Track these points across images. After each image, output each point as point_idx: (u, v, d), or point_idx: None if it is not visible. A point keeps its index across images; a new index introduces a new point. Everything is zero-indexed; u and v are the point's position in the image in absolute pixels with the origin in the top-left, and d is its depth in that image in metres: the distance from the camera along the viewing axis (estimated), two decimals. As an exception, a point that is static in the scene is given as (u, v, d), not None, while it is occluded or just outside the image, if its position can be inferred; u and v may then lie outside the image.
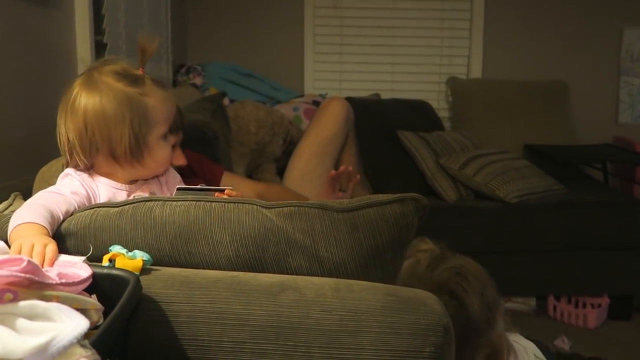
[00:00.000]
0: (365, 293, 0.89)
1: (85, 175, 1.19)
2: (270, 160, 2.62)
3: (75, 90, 1.17)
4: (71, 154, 1.17)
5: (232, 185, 1.86)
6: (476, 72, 3.69)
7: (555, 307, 2.77)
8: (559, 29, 3.67)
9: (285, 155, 2.71)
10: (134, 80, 1.18)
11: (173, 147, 1.60)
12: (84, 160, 1.16)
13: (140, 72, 1.21)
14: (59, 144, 1.19)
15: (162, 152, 1.23)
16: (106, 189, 1.20)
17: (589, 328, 2.68)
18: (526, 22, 3.68)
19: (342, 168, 1.82)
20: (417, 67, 3.72)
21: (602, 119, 3.71)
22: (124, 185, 1.23)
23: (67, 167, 1.23)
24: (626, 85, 3.69)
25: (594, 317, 2.68)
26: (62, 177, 1.20)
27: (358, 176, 1.88)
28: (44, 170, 1.52)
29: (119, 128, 1.14)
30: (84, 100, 1.14)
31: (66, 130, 1.16)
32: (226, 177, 1.93)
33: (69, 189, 1.14)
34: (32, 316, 0.66)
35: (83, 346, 0.65)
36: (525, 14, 3.68)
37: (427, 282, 1.21)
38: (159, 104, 1.20)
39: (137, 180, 1.26)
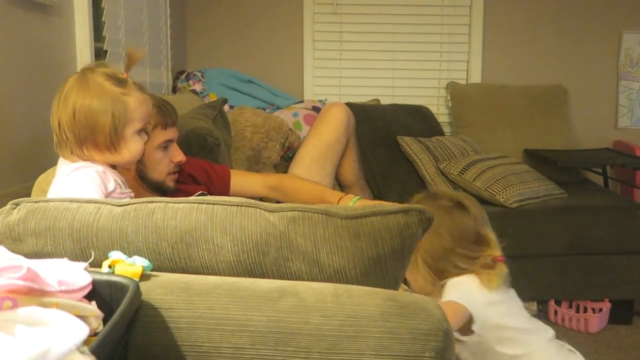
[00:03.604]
0: (365, 298, 0.89)
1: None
2: (268, 167, 2.62)
3: (69, 85, 1.35)
4: (63, 141, 1.35)
5: (240, 182, 1.89)
6: (475, 77, 3.70)
7: (556, 312, 2.76)
8: (558, 34, 3.68)
9: (284, 161, 2.71)
10: (119, 82, 1.36)
11: (170, 142, 1.62)
12: (74, 145, 1.33)
13: (125, 76, 1.39)
14: (53, 133, 1.37)
15: (136, 145, 1.38)
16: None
17: (591, 333, 2.67)
18: (525, 27, 3.69)
19: None
20: (417, 73, 3.73)
21: (601, 123, 3.71)
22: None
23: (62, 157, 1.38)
24: (625, 90, 3.70)
25: (595, 321, 2.67)
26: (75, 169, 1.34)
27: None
28: (41, 178, 1.52)
29: (102, 119, 1.32)
30: (75, 93, 1.33)
31: (58, 117, 1.35)
32: (234, 176, 1.92)
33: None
34: (31, 323, 0.66)
35: (82, 353, 0.65)
36: (524, 18, 3.68)
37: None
38: (137, 104, 1.37)
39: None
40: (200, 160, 1.91)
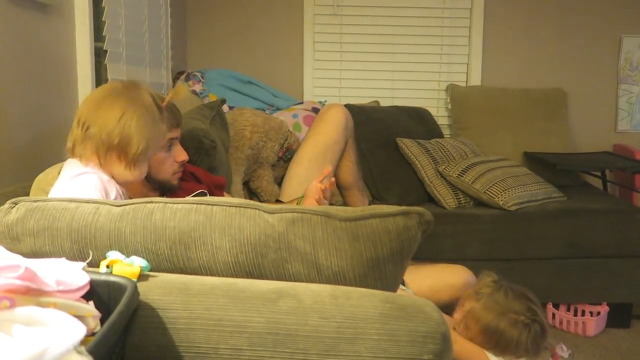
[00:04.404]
0: (363, 300, 0.89)
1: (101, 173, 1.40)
2: (266, 167, 2.62)
3: (116, 93, 1.40)
4: (89, 140, 1.36)
5: None
6: (475, 80, 3.70)
7: (554, 315, 2.76)
8: (558, 37, 3.68)
9: (283, 162, 2.71)
10: (158, 107, 1.45)
11: (174, 141, 1.64)
12: (101, 149, 1.36)
13: (164, 104, 1.50)
14: (78, 131, 1.38)
15: (145, 168, 1.46)
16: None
17: (588, 336, 2.67)
18: (525, 30, 3.69)
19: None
20: (417, 75, 3.73)
21: (601, 127, 3.72)
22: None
23: (73, 156, 1.40)
24: (625, 94, 3.70)
25: (593, 325, 2.67)
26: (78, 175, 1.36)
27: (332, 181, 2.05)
28: (40, 178, 1.52)
29: (137, 138, 1.37)
30: (124, 103, 1.38)
31: (97, 119, 1.36)
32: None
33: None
34: (29, 323, 0.66)
35: (80, 353, 0.65)
36: (525, 21, 3.68)
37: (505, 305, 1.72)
38: (165, 132, 1.51)
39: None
40: (200, 169, 1.93)
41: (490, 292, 1.75)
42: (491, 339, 1.70)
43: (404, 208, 0.97)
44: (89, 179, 1.34)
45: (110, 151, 1.37)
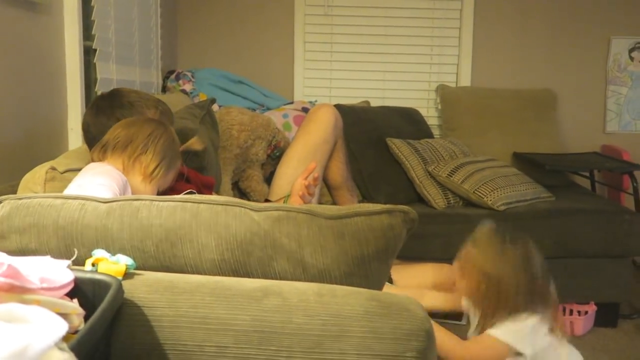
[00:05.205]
0: (348, 298, 0.89)
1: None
2: (256, 166, 2.62)
3: (151, 119, 1.59)
4: (117, 150, 1.50)
5: None
6: (465, 80, 3.71)
7: (542, 315, 2.78)
8: (548, 38, 3.70)
9: (271, 160, 2.71)
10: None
11: None
12: (126, 158, 1.49)
13: (180, 149, 1.65)
14: (114, 139, 1.51)
15: (156, 190, 1.57)
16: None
17: (576, 335, 2.68)
18: (515, 31, 3.71)
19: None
20: (407, 75, 3.73)
21: (589, 128, 3.74)
22: None
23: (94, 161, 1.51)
24: (613, 95, 3.72)
25: (580, 324, 2.69)
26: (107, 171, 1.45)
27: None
28: (27, 177, 1.51)
29: (161, 153, 1.52)
30: (156, 126, 1.56)
31: (129, 131, 1.51)
32: None
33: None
34: (10, 319, 0.66)
35: (61, 350, 0.65)
36: (514, 22, 3.70)
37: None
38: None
39: None
40: (189, 169, 1.93)
41: (488, 236, 1.73)
42: (490, 285, 1.66)
43: (388, 206, 0.97)
44: (114, 171, 1.44)
45: (134, 162, 1.48)
